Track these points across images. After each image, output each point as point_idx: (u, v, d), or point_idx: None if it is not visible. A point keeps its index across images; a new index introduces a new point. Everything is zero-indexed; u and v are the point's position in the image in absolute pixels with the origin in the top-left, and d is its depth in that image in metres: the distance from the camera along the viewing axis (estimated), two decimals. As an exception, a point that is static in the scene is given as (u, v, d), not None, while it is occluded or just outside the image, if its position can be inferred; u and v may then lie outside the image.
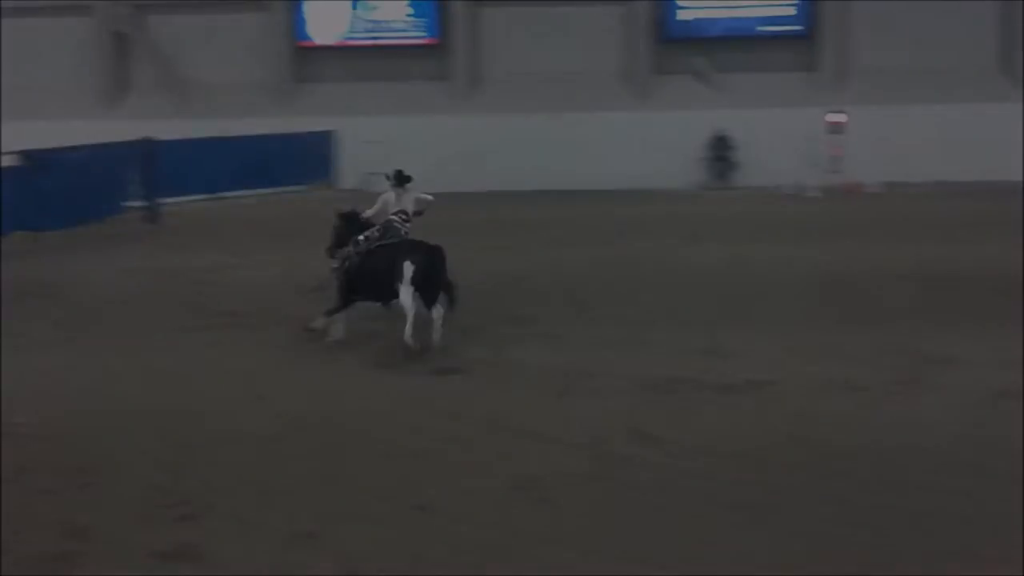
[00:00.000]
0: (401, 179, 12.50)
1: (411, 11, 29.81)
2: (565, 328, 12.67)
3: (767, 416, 9.39)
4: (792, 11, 29.06)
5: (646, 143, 27.41)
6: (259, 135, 26.16)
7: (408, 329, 11.31)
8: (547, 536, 7.00)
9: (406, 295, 11.44)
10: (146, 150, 23.30)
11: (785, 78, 28.48)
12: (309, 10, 29.92)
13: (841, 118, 26.11)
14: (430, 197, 12.72)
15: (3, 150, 21.13)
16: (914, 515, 7.24)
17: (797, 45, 29.00)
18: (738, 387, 10.19)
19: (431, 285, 11.53)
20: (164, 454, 8.57)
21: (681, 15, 29.17)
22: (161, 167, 23.26)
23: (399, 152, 24.18)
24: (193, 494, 7.71)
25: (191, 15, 29.77)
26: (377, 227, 12.30)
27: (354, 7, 29.82)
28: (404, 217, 12.38)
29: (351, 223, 12.51)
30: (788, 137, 25.97)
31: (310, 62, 30.10)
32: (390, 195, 12.49)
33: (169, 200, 23.46)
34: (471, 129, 27.81)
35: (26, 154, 21.24)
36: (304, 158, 27.25)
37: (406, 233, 12.28)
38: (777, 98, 27.72)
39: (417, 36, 29.85)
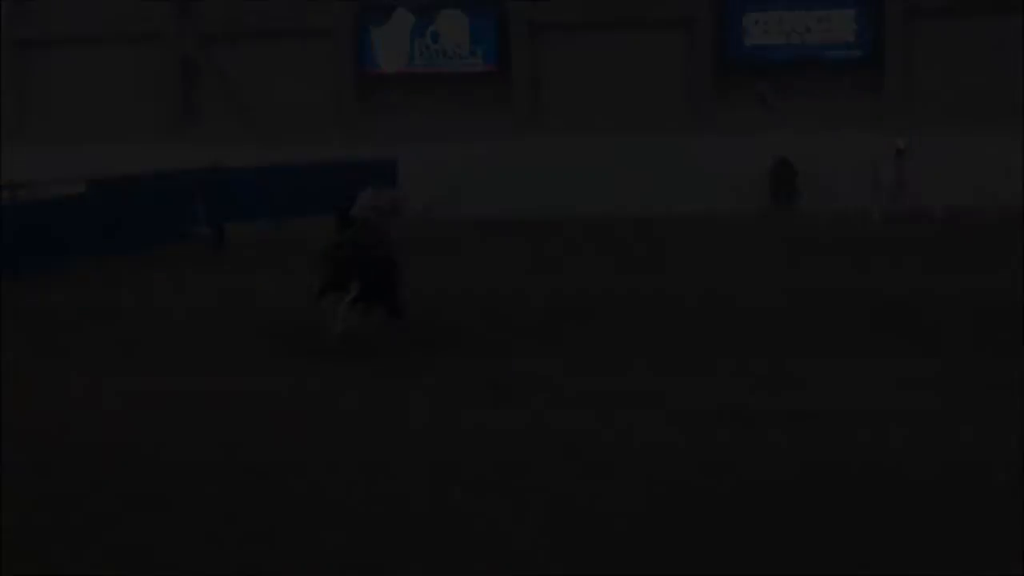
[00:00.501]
0: None
1: (471, 39, 30.06)
2: (630, 354, 12.68)
3: (836, 444, 9.31)
4: (852, 37, 28.92)
5: (708, 168, 27.36)
6: (325, 161, 26.48)
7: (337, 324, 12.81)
8: (614, 568, 7.00)
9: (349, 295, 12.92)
10: (214, 176, 23.70)
11: (847, 103, 28.31)
12: (374, 39, 30.28)
13: (903, 143, 25.89)
14: (403, 194, 13.61)
15: (75, 176, 21.63)
16: (992, 544, 7.16)
17: (858, 70, 28.83)
18: (807, 415, 10.13)
19: (376, 289, 13.01)
20: (227, 477, 8.67)
21: (746, 40, 29.15)
22: (228, 193, 23.65)
23: (460, 178, 24.51)
24: (257, 518, 7.78)
25: (258, 44, 30.27)
26: (356, 227, 13.41)
27: (416, 35, 30.13)
28: (379, 212, 13.72)
29: (344, 220, 13.57)
30: (851, 162, 25.79)
31: (374, 89, 30.44)
32: (367, 192, 13.90)
33: (236, 225, 23.82)
34: (532, 155, 27.94)
35: (94, 180, 21.71)
36: (370, 184, 27.48)
37: (383, 226, 13.56)
38: (839, 123, 27.56)
39: (477, 64, 30.08)
